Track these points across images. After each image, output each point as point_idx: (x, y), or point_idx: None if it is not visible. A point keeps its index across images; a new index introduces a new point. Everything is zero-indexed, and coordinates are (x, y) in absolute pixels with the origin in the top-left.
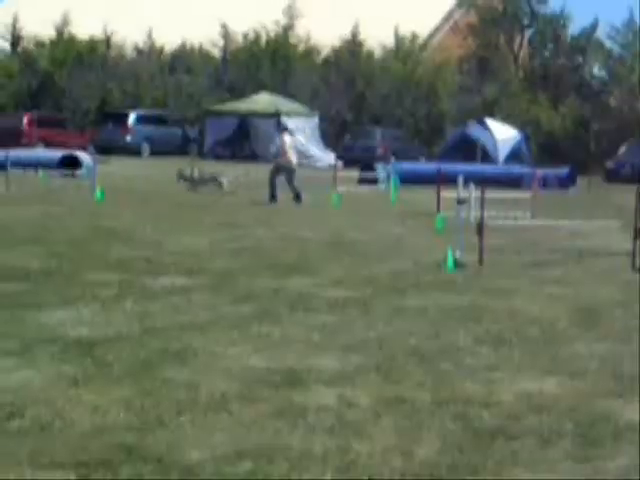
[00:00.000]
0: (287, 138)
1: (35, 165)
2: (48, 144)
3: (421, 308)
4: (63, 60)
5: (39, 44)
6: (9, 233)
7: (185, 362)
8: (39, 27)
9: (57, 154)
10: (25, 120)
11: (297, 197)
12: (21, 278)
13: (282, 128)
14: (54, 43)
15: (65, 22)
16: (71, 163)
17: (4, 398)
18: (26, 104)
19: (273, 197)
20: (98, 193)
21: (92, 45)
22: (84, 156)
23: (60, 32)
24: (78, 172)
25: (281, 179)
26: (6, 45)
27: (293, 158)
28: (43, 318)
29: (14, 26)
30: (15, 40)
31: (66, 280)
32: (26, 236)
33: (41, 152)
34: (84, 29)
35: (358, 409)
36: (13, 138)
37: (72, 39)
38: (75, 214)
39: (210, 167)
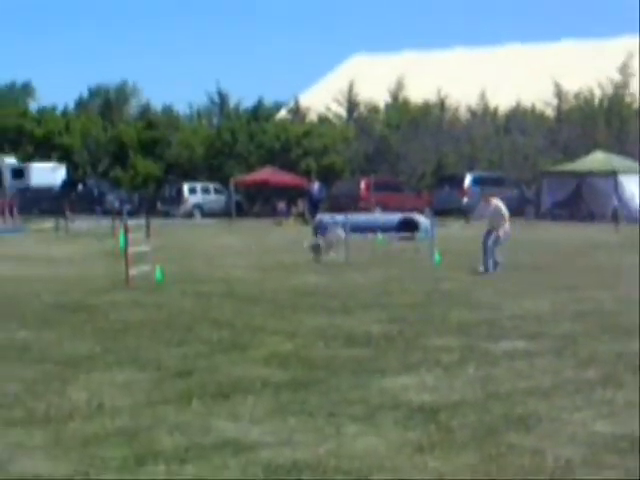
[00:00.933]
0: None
1: (373, 229)
2: (385, 208)
3: None
4: (398, 124)
5: (374, 109)
6: (351, 298)
7: (529, 428)
8: (373, 92)
9: (395, 217)
10: (362, 185)
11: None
12: (363, 343)
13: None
14: (389, 107)
15: (399, 86)
16: (409, 226)
17: (351, 464)
18: (362, 169)
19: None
20: (436, 256)
21: (426, 109)
22: (422, 219)
23: (395, 97)
24: (416, 235)
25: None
26: (342, 110)
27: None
28: (386, 383)
29: (349, 92)
30: (351, 106)
31: (407, 345)
32: (367, 301)
33: (379, 216)
34: (418, 93)
35: None
36: (351, 203)
37: (406, 103)
38: (414, 277)
39: (546, 228)
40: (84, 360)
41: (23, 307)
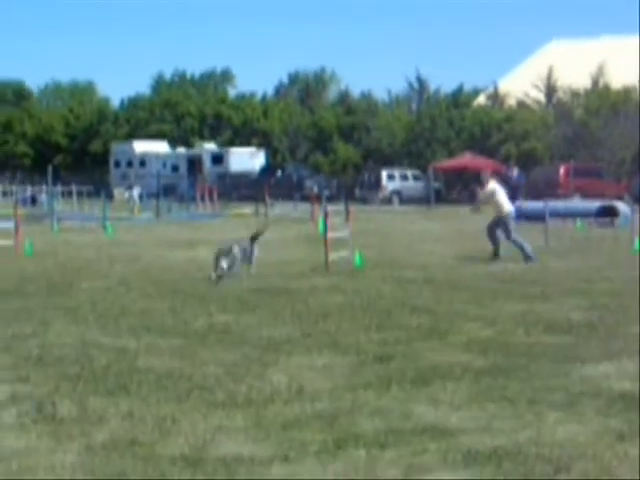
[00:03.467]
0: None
1: (572, 215)
2: (584, 194)
3: None
4: (598, 110)
5: (574, 94)
6: (550, 285)
7: None
8: (573, 77)
9: (594, 204)
10: (562, 171)
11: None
12: (564, 331)
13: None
14: (589, 93)
15: (600, 72)
16: (608, 213)
17: (551, 452)
18: (561, 154)
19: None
20: (637, 243)
21: (626, 94)
22: (621, 206)
23: (595, 82)
24: (615, 222)
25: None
26: (541, 96)
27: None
28: (587, 371)
29: (548, 78)
30: (549, 91)
31: (608, 332)
32: (566, 287)
33: (578, 202)
34: (618, 78)
35: None
36: (550, 189)
37: (607, 88)
38: (614, 264)
39: None
40: (284, 344)
41: (223, 291)
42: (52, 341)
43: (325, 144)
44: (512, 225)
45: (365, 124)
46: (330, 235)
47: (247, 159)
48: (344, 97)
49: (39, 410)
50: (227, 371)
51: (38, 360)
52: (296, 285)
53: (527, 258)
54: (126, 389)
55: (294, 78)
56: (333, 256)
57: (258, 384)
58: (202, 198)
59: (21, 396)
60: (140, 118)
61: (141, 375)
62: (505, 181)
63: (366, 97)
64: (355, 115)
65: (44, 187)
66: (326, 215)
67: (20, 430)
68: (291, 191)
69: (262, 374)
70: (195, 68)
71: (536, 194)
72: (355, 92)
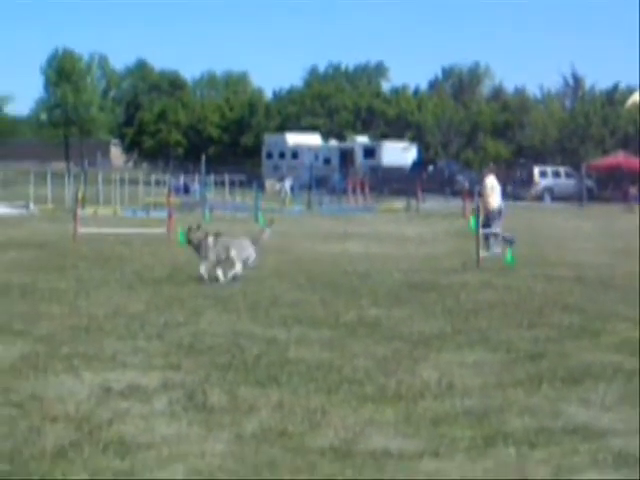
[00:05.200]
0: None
1: None
2: None
3: None
4: None
5: None
6: None
7: None
8: None
9: None
10: None
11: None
12: None
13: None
14: None
15: None
16: None
17: None
18: None
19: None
20: None
21: None
22: None
23: None
24: None
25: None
26: None
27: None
28: None
29: None
30: None
31: None
32: None
33: None
34: None
35: None
36: None
37: None
38: None
39: None
40: (434, 339)
41: (375, 285)
42: (204, 330)
43: (476, 140)
44: None
45: (519, 120)
46: (481, 231)
47: (399, 153)
48: (498, 93)
49: (190, 398)
50: (377, 365)
51: (189, 348)
52: (447, 280)
53: None
54: (276, 380)
55: (448, 72)
56: (484, 252)
57: (408, 379)
58: (353, 191)
59: (172, 384)
60: (291, 111)
61: (291, 366)
62: None
63: (520, 93)
64: (509, 111)
65: (196, 176)
66: (478, 211)
67: (171, 417)
68: (442, 186)
69: (412, 369)
70: (349, 61)
71: None
72: (508, 88)
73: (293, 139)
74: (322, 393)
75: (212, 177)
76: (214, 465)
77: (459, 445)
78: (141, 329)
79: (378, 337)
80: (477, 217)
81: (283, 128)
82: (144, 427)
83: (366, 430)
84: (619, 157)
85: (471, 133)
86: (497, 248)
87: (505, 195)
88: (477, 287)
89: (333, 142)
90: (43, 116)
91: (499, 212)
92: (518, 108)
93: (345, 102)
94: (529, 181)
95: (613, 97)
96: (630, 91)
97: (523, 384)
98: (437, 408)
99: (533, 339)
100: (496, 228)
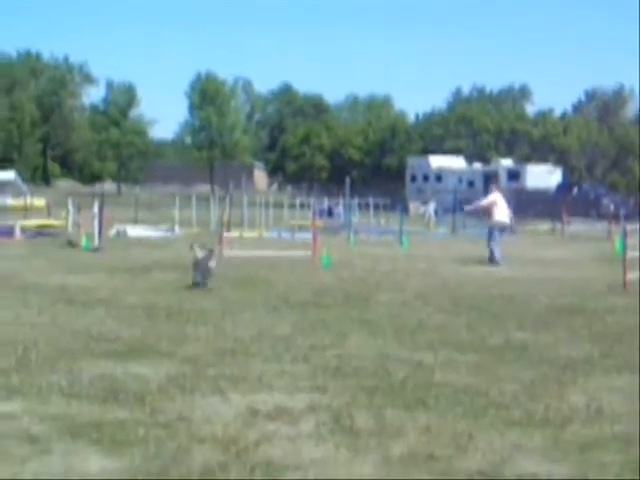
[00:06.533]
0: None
1: None
2: None
3: None
4: None
5: None
6: None
7: None
8: None
9: None
10: None
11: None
12: None
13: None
14: None
15: None
16: None
17: None
18: None
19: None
20: None
21: None
22: None
23: None
24: None
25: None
26: None
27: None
28: None
29: None
30: None
31: None
32: None
33: None
34: None
35: None
36: None
37: None
38: None
39: None
40: (582, 363)
41: (521, 308)
42: (350, 352)
43: (623, 162)
44: None
45: None
46: (629, 254)
47: (544, 176)
48: None
49: (337, 421)
50: (524, 389)
51: (336, 371)
52: (593, 304)
53: None
54: (423, 403)
55: (591, 95)
56: (631, 275)
57: (556, 403)
58: None
59: (319, 406)
60: (435, 134)
61: (438, 389)
62: None
63: None
64: None
65: (340, 199)
66: (625, 234)
67: (318, 440)
68: (587, 209)
69: (560, 393)
70: (493, 84)
71: None
72: None
73: (437, 162)
74: (469, 417)
75: (356, 200)
76: None
77: (609, 470)
78: (287, 351)
79: (524, 361)
80: (624, 240)
81: (426, 151)
82: (291, 449)
83: (513, 454)
84: None
85: (617, 156)
86: None
87: None
88: (624, 311)
89: (477, 165)
90: (187, 139)
91: None
92: None
93: (488, 124)
94: None
95: None
96: None
97: None
98: (586, 433)
99: None
100: None
